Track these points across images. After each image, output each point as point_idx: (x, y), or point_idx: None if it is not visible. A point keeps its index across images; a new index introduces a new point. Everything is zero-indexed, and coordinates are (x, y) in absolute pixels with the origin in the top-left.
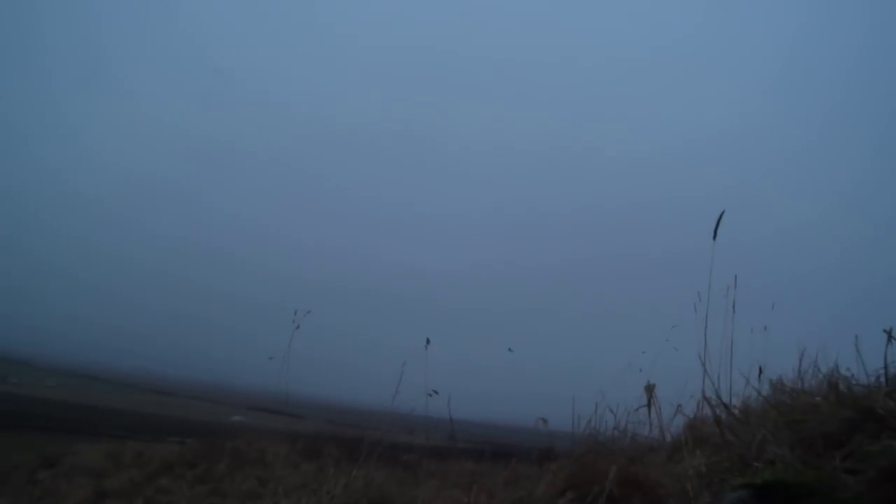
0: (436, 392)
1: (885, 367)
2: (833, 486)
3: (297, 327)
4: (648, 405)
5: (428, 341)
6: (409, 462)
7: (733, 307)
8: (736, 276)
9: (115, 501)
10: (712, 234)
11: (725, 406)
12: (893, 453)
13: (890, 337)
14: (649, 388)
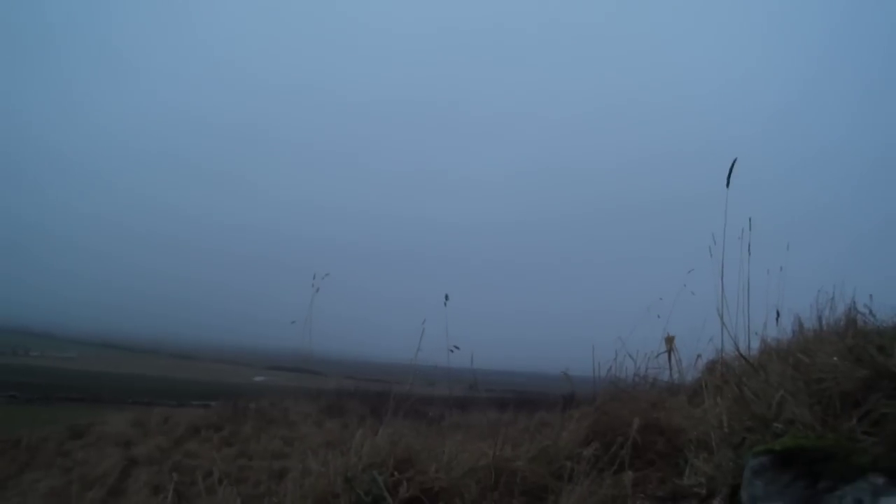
0: (457, 348)
1: None
2: (851, 451)
3: (317, 290)
4: (669, 356)
5: (447, 297)
6: (433, 415)
7: (749, 249)
8: (750, 219)
9: (143, 468)
10: (726, 181)
11: (744, 359)
12: None
13: None
14: (669, 340)
